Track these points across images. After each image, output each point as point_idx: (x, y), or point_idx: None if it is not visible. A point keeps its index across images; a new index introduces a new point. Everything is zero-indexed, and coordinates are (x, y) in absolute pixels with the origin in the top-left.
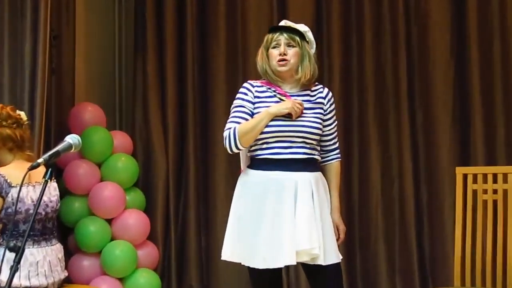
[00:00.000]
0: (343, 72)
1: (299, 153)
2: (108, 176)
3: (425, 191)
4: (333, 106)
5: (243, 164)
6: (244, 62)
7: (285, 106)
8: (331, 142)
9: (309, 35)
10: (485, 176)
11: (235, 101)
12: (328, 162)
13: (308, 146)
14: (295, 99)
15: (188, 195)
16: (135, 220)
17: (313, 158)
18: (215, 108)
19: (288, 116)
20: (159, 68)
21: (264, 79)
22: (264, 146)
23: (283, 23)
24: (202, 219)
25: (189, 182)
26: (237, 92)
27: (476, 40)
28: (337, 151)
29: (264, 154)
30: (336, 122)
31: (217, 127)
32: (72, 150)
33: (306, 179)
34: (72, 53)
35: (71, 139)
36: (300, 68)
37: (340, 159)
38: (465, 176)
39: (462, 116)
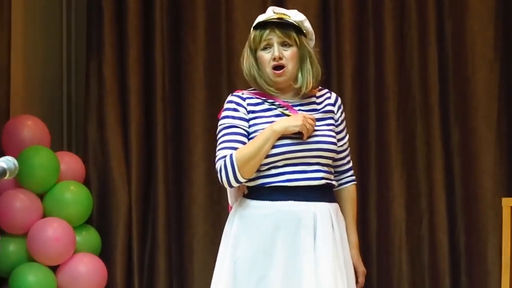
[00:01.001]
0: (357, 77)
1: (316, 178)
2: (53, 210)
3: (462, 229)
4: (343, 115)
5: (232, 198)
6: (229, 63)
7: (295, 122)
8: (345, 161)
9: (306, 24)
10: None
11: (222, 121)
12: (342, 187)
13: (324, 168)
14: (303, 113)
15: (157, 235)
16: (87, 267)
17: (330, 184)
18: (192, 124)
19: (297, 134)
20: (119, 71)
21: (254, 89)
22: (272, 171)
23: (270, 12)
24: (175, 265)
25: (157, 218)
26: (224, 109)
27: None
28: (351, 172)
29: (273, 181)
30: (348, 135)
31: (194, 147)
32: (5, 177)
33: (326, 212)
34: (6, 55)
35: (5, 162)
36: (300, 74)
37: (355, 182)
38: None
39: (509, 133)
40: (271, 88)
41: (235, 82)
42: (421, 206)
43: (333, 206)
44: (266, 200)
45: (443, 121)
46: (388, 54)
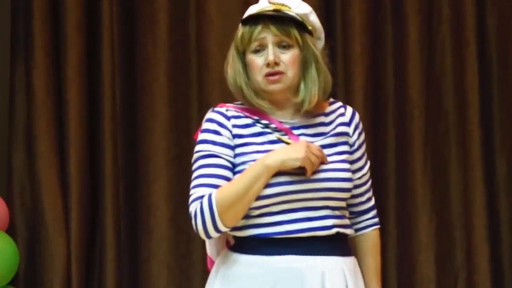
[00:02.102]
0: (370, 88)
1: (325, 227)
2: None
3: None
4: (362, 137)
5: (212, 248)
6: (200, 71)
7: (295, 154)
8: (364, 199)
9: (312, 18)
10: None
11: (200, 147)
12: (361, 232)
13: (335, 213)
14: (306, 140)
15: None
16: None
17: (344, 233)
18: (150, 153)
19: (298, 169)
20: (54, 82)
21: (240, 103)
22: (265, 219)
23: (264, 2)
24: None
25: (105, 277)
26: (201, 130)
27: None
28: (373, 212)
29: (267, 232)
30: (369, 162)
31: (153, 184)
32: None
33: (337, 269)
34: None
35: None
36: (303, 84)
37: (378, 226)
38: None
39: None
40: (262, 102)
41: (208, 96)
42: (456, 261)
43: (348, 261)
44: (259, 254)
45: (486, 148)
46: (411, 59)
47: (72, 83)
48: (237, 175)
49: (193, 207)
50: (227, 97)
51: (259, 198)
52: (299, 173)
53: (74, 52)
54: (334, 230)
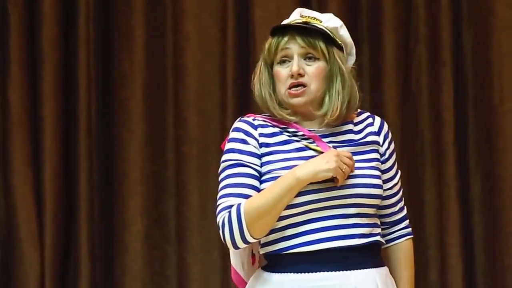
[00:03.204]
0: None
1: (355, 235)
2: None
3: None
4: (393, 146)
5: (235, 259)
6: (177, 87)
7: (326, 165)
8: (396, 208)
9: (342, 33)
10: None
11: (227, 156)
12: (393, 243)
13: (366, 221)
14: (337, 149)
15: None
16: None
17: (376, 242)
18: (126, 169)
19: (329, 179)
20: (30, 97)
21: (266, 114)
22: (292, 230)
23: (296, 15)
24: None
25: None
26: (229, 139)
27: None
28: (406, 222)
29: (294, 245)
30: (399, 172)
31: (129, 200)
32: None
33: (371, 282)
34: None
35: None
36: (327, 97)
37: (412, 236)
38: None
39: None
40: (285, 112)
41: (184, 112)
42: (429, 279)
43: (380, 272)
44: (290, 272)
45: (461, 168)
46: (387, 77)
47: (48, 99)
48: (267, 186)
49: (221, 217)
50: (203, 114)
51: (287, 207)
52: (329, 183)
53: (50, 68)
54: (365, 240)
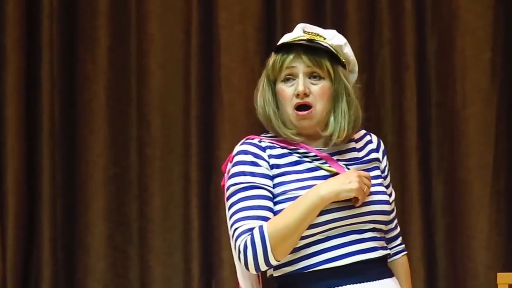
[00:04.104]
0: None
1: (375, 248)
2: None
3: None
4: (388, 164)
5: (245, 282)
6: (140, 90)
7: (349, 186)
8: (393, 225)
9: (347, 51)
10: None
11: (237, 179)
12: (392, 259)
13: (380, 235)
14: (356, 170)
15: None
16: None
17: (388, 255)
18: (89, 171)
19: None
20: None
21: (272, 135)
22: (311, 249)
23: (299, 31)
24: None
25: None
26: (235, 162)
27: None
28: (401, 239)
29: (316, 262)
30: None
31: (91, 202)
32: None
33: None
34: None
35: None
36: (332, 117)
37: (407, 252)
38: None
39: (509, 187)
40: (290, 132)
41: (148, 115)
42: None
43: (396, 281)
44: None
45: (423, 171)
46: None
47: (10, 100)
48: (283, 207)
49: (242, 240)
50: (167, 116)
51: (308, 227)
52: (347, 202)
53: (13, 68)
54: (381, 253)
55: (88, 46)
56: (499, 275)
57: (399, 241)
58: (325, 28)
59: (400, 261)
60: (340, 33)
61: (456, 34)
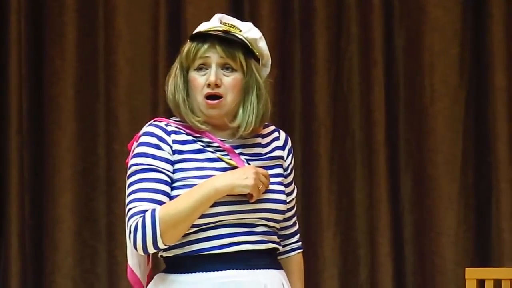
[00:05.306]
0: (277, 106)
1: (263, 241)
2: None
3: None
4: (293, 162)
5: (133, 260)
6: (108, 85)
7: (245, 182)
8: (291, 222)
9: (261, 45)
10: None
11: (138, 159)
12: (287, 255)
13: (270, 231)
14: (254, 166)
15: None
16: None
17: (278, 248)
18: (57, 166)
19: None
20: None
21: (178, 119)
22: (201, 235)
23: (216, 21)
24: None
25: None
26: (140, 143)
27: None
28: (298, 236)
29: (203, 248)
30: (296, 188)
31: (59, 197)
32: None
33: (277, 281)
34: None
35: None
36: (241, 110)
37: (302, 250)
38: (481, 284)
39: (477, 184)
40: (198, 120)
41: (116, 110)
42: (360, 277)
43: (283, 274)
44: (198, 271)
45: (391, 167)
46: (319, 77)
47: None
48: (179, 193)
49: (134, 221)
50: (135, 111)
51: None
52: (241, 198)
53: None
54: (271, 245)
55: (56, 42)
56: (468, 270)
57: (296, 238)
58: (293, 25)
59: (295, 258)
60: (308, 29)
61: (424, 30)
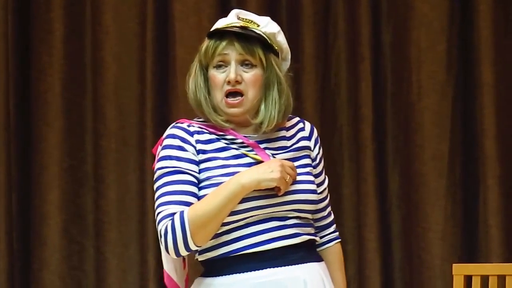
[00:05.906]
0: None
1: (297, 234)
2: None
3: None
4: (321, 151)
5: (168, 265)
6: (96, 82)
7: (271, 175)
8: (325, 213)
9: (280, 39)
10: (502, 279)
11: (164, 163)
12: (325, 247)
13: (303, 223)
14: (280, 159)
15: None
16: None
17: (314, 240)
18: (45, 163)
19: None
20: None
21: (200, 118)
22: (233, 235)
23: (233, 17)
24: None
25: None
26: (164, 146)
27: None
28: (334, 226)
29: (237, 248)
30: (327, 177)
31: (47, 194)
32: None
33: (316, 275)
34: None
35: None
36: (263, 106)
37: (340, 239)
38: (468, 280)
39: (465, 180)
40: (220, 118)
41: (103, 107)
42: (347, 273)
43: (323, 266)
44: (235, 273)
45: (379, 163)
46: (306, 73)
47: None
48: (207, 193)
49: (163, 225)
50: (122, 108)
51: (229, 214)
52: (269, 191)
53: None
54: (306, 237)
55: (43, 38)
56: (455, 266)
57: (332, 229)
58: (280, 20)
59: (333, 249)
60: (296, 25)
61: (411, 26)
